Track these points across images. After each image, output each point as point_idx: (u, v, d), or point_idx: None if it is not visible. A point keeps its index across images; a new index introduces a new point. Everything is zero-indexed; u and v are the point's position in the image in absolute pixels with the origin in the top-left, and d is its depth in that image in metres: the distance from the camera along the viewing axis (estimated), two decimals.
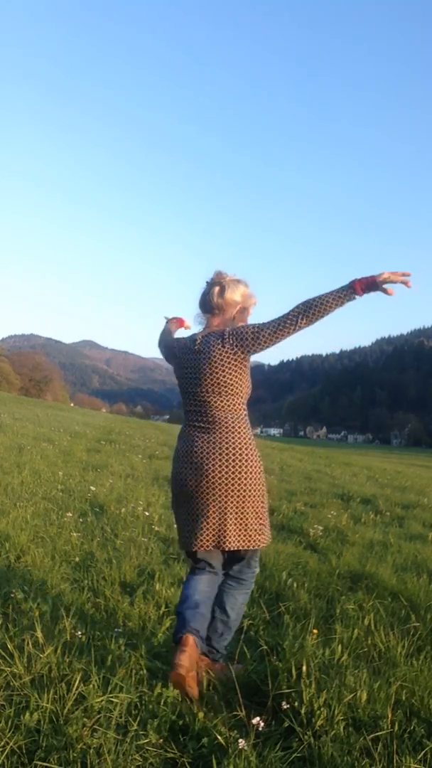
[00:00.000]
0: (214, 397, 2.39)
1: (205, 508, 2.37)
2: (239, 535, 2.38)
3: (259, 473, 2.41)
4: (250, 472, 2.35)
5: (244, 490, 2.34)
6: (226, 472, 2.33)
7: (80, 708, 2.13)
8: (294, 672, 2.46)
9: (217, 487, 2.34)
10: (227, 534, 2.36)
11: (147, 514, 5.70)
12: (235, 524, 2.37)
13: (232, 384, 2.37)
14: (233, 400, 2.39)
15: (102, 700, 2.19)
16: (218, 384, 2.37)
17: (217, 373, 2.36)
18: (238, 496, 2.34)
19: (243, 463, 2.34)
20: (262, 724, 2.16)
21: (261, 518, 2.43)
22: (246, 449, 2.36)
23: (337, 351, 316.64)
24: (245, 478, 2.34)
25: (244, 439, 2.38)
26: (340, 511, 7.45)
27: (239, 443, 2.36)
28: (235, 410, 2.41)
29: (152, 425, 32.19)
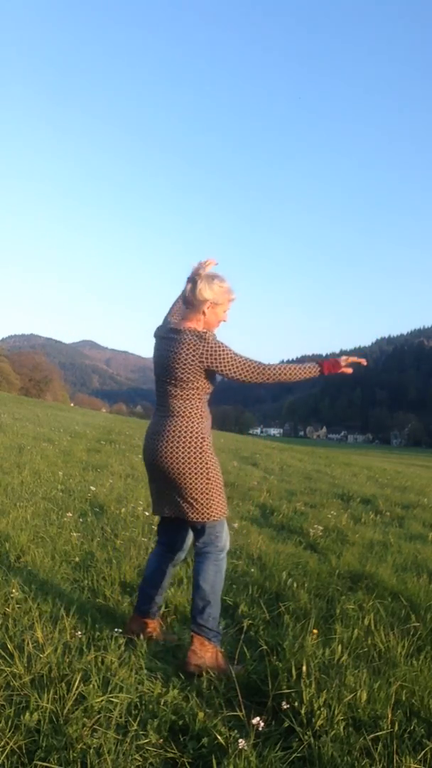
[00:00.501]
0: (172, 387, 2.64)
1: (159, 481, 2.73)
2: (185, 507, 2.67)
3: (200, 456, 2.62)
4: (191, 455, 2.60)
5: (186, 469, 2.61)
6: (171, 454, 2.61)
7: (80, 708, 2.13)
8: (294, 672, 2.46)
9: (165, 465, 2.63)
10: (176, 504, 2.70)
11: (147, 514, 5.70)
12: (182, 497, 2.66)
13: (189, 381, 2.60)
14: (189, 393, 2.63)
15: (102, 700, 2.19)
16: (177, 378, 2.61)
17: (178, 369, 2.59)
18: (180, 474, 2.62)
19: (186, 448, 2.60)
20: (262, 724, 2.16)
21: (206, 494, 2.63)
22: (189, 436, 2.61)
23: (337, 351, 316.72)
24: (187, 460, 2.60)
25: (191, 427, 2.63)
26: (340, 511, 7.45)
27: (185, 430, 2.62)
28: (190, 402, 2.64)
29: None
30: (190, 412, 2.63)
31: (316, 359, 2.63)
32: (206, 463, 2.62)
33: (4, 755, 1.89)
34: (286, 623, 3.16)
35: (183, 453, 2.60)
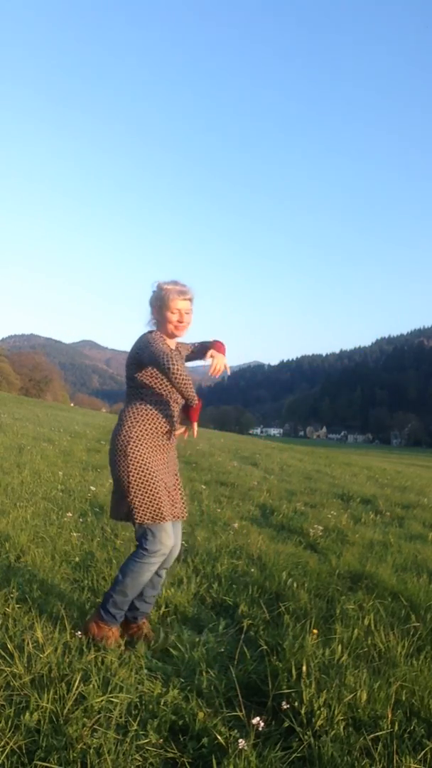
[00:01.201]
0: (126, 389, 2.82)
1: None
2: (121, 502, 2.76)
3: (123, 458, 2.68)
4: (117, 456, 2.70)
5: (113, 469, 2.74)
6: (109, 454, 2.77)
7: (80, 708, 2.14)
8: (294, 672, 2.46)
9: (110, 465, 2.78)
10: (115, 502, 2.82)
11: None
12: (117, 493, 2.79)
13: (130, 378, 2.75)
14: (131, 392, 2.77)
15: (102, 700, 2.20)
16: (126, 377, 2.78)
17: (126, 368, 2.78)
18: (111, 473, 2.76)
19: (114, 449, 2.72)
20: (262, 724, 2.16)
21: (129, 495, 2.67)
22: (118, 437, 2.71)
23: (337, 351, 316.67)
24: (114, 461, 2.72)
25: (121, 429, 2.72)
26: (340, 511, 7.45)
27: (117, 432, 2.73)
28: (130, 403, 2.76)
29: None
30: (125, 415, 2.75)
31: (199, 402, 2.67)
32: (128, 466, 2.67)
33: (4, 755, 1.89)
34: (286, 623, 3.16)
35: (112, 454, 2.73)
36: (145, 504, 2.67)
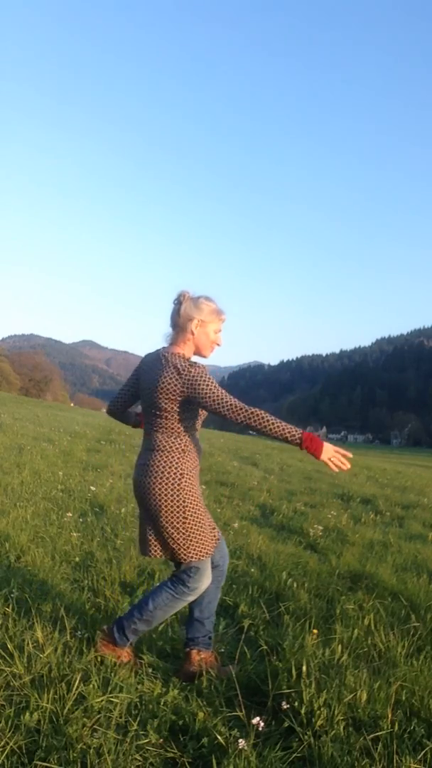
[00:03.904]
0: (156, 418, 2.51)
1: (143, 516, 2.59)
2: (163, 544, 2.53)
3: (177, 494, 2.46)
4: (167, 492, 2.46)
5: (162, 506, 2.46)
6: (149, 489, 2.48)
7: (80, 708, 2.13)
8: (294, 672, 2.46)
9: (145, 500, 2.51)
10: (156, 542, 2.55)
11: None
12: (159, 534, 2.52)
13: (171, 411, 2.46)
14: (171, 425, 2.49)
15: (102, 700, 2.20)
16: (160, 408, 2.48)
17: (161, 398, 2.45)
18: (157, 510, 2.48)
19: (162, 484, 2.46)
20: (262, 724, 2.16)
21: (182, 533, 2.47)
22: (167, 472, 2.47)
23: (337, 351, 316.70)
24: (163, 496, 2.46)
25: (170, 462, 2.48)
26: (340, 511, 7.45)
27: (164, 466, 2.48)
28: (172, 435, 2.50)
29: None
30: (170, 446, 2.49)
31: (305, 432, 2.32)
32: (183, 501, 2.45)
33: (4, 755, 1.89)
34: (286, 623, 3.16)
35: (159, 489, 2.46)
36: (198, 541, 2.49)
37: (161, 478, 2.46)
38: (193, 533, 2.48)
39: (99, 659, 2.53)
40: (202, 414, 2.56)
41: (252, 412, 2.31)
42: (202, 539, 2.50)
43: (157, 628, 3.00)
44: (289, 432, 2.28)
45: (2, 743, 1.93)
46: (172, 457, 2.48)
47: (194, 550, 2.48)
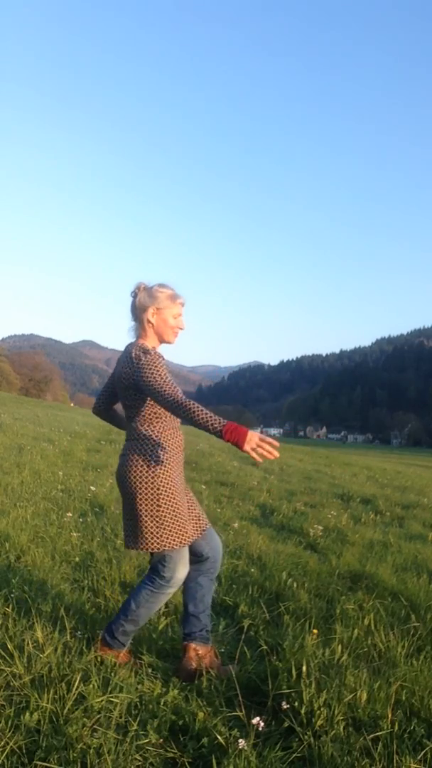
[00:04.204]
0: (127, 409, 2.58)
1: (124, 506, 2.60)
2: (137, 532, 2.52)
3: (152, 481, 2.47)
4: (142, 479, 2.48)
5: (137, 493, 2.49)
6: (125, 477, 2.52)
7: (80, 708, 2.13)
8: (294, 672, 2.46)
9: (122, 488, 2.56)
10: (131, 530, 2.56)
11: None
12: (134, 522, 2.53)
13: (136, 400, 2.51)
14: (142, 414, 2.52)
15: (102, 700, 2.20)
16: (126, 398, 2.55)
17: (122, 390, 2.54)
18: (132, 497, 2.50)
19: (137, 471, 2.49)
20: (262, 724, 2.16)
21: (156, 521, 2.47)
22: (141, 459, 2.49)
23: (337, 351, 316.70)
24: (138, 484, 2.48)
25: (145, 450, 2.50)
26: (340, 511, 7.45)
27: (139, 454, 2.50)
28: (146, 424, 2.52)
29: None
30: (145, 435, 2.51)
31: (229, 422, 2.23)
32: (157, 488, 2.46)
33: (4, 755, 1.89)
34: (286, 623, 3.16)
35: (134, 476, 2.48)
36: (171, 530, 2.47)
37: (136, 465, 2.48)
38: (167, 521, 2.47)
39: (99, 659, 2.53)
40: None
41: (182, 404, 2.28)
42: (176, 528, 2.48)
43: (157, 628, 3.00)
44: (212, 423, 2.21)
45: (2, 743, 1.93)
46: (147, 445, 2.50)
47: (167, 538, 2.46)
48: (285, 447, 23.80)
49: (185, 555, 2.56)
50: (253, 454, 2.20)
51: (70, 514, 5.27)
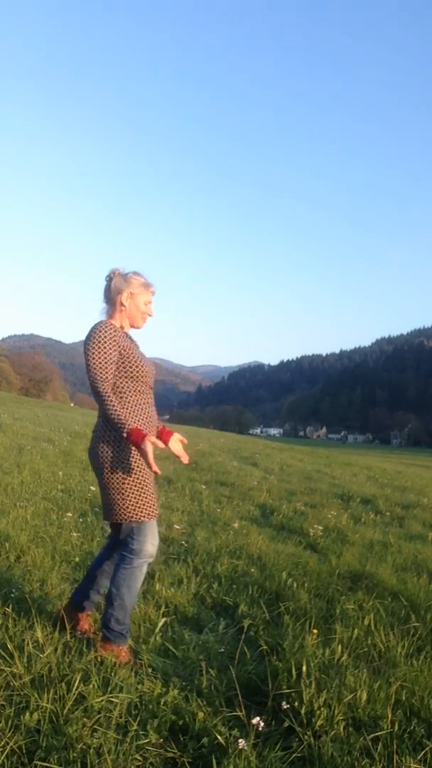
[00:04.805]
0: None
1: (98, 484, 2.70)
2: (105, 505, 2.63)
3: (117, 454, 2.56)
4: (107, 452, 2.57)
5: (103, 466, 2.58)
6: (93, 451, 2.64)
7: (80, 708, 2.13)
8: (294, 672, 2.46)
9: (91, 462, 2.68)
10: (103, 504, 2.66)
11: None
12: (102, 494, 2.65)
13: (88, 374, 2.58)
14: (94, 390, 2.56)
15: (102, 700, 2.20)
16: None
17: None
18: (99, 470, 2.61)
19: (103, 445, 2.59)
20: (262, 724, 2.16)
21: (120, 492, 2.56)
22: (107, 434, 2.58)
23: (337, 351, 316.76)
24: (104, 457, 2.58)
25: (109, 425, 2.57)
26: (340, 511, 7.45)
27: (104, 428, 2.59)
28: (100, 401, 2.54)
29: None
30: (103, 416, 2.58)
31: (135, 430, 2.41)
32: (120, 463, 2.54)
33: (4, 755, 1.88)
34: (286, 623, 3.16)
35: (101, 451, 2.58)
36: (138, 501, 2.55)
37: (102, 441, 2.58)
38: (132, 493, 2.55)
39: (99, 659, 2.53)
40: (141, 375, 2.60)
41: (101, 394, 2.45)
42: (141, 501, 2.57)
43: (157, 627, 3.00)
44: (118, 423, 2.43)
45: (2, 743, 1.93)
46: (102, 426, 2.59)
47: (132, 509, 2.56)
48: (285, 447, 23.80)
49: (153, 528, 2.63)
50: (153, 464, 2.43)
51: (70, 514, 5.27)
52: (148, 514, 2.58)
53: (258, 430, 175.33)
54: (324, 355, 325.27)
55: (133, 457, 2.57)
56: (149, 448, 2.41)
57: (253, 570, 4.18)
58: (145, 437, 2.41)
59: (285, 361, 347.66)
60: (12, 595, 3.15)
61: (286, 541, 5.34)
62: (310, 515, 6.80)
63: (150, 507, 2.59)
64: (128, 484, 2.55)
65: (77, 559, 4.06)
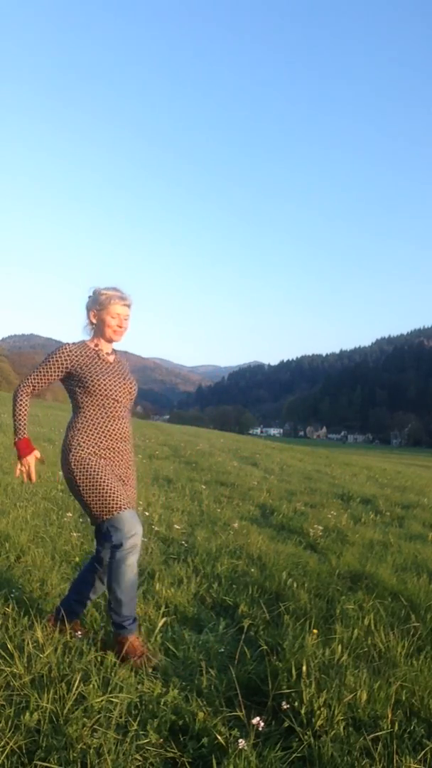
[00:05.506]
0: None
1: None
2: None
3: (68, 464, 2.72)
4: (64, 463, 2.74)
5: (65, 476, 2.77)
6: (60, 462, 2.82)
7: (80, 708, 2.13)
8: (294, 672, 2.46)
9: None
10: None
11: (147, 514, 5.70)
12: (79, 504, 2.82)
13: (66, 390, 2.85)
14: (72, 404, 2.82)
15: (102, 700, 2.20)
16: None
17: None
18: (67, 483, 2.80)
19: (62, 457, 2.77)
20: (262, 724, 2.16)
21: (83, 497, 2.70)
22: (64, 446, 2.76)
23: (337, 351, 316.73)
24: (63, 468, 2.76)
25: (66, 438, 2.77)
26: (340, 511, 7.45)
27: (64, 441, 2.78)
28: (73, 414, 2.81)
29: (152, 425, 32.21)
30: (69, 424, 2.80)
31: (21, 441, 2.71)
32: (71, 471, 2.69)
33: (4, 755, 1.88)
34: (286, 623, 3.16)
35: (62, 462, 2.76)
36: (99, 501, 2.66)
37: (62, 452, 2.77)
38: (96, 493, 2.66)
39: (99, 659, 2.53)
40: (98, 390, 2.71)
41: (15, 396, 2.73)
42: (106, 497, 2.65)
43: (156, 627, 3.00)
44: (15, 429, 2.72)
45: (2, 743, 1.93)
46: (69, 432, 2.77)
47: (100, 508, 2.67)
48: (285, 447, 23.80)
49: (128, 518, 2.67)
50: (17, 468, 2.72)
51: (70, 514, 5.27)
52: (117, 508, 2.66)
53: (258, 430, 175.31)
54: (324, 355, 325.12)
55: (79, 462, 2.69)
56: (31, 461, 2.71)
57: (253, 570, 4.18)
58: (27, 455, 2.69)
59: (285, 361, 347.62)
60: (12, 595, 3.15)
61: (286, 541, 5.34)
62: (310, 515, 6.80)
63: (116, 501, 2.66)
64: (93, 485, 2.67)
65: (77, 559, 4.06)
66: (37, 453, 2.74)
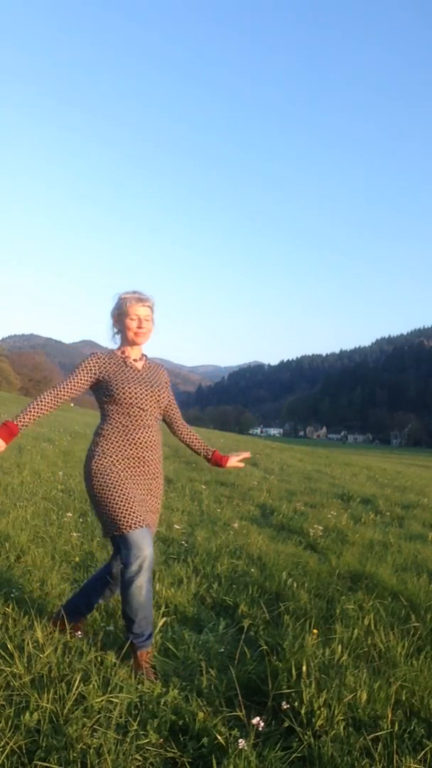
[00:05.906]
0: None
1: None
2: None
3: (88, 476, 2.70)
4: (85, 474, 2.74)
5: (85, 487, 2.76)
6: (83, 467, 2.82)
7: (80, 708, 2.13)
8: (294, 672, 2.46)
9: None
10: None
11: None
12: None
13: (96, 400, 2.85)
14: (100, 413, 2.81)
15: (102, 700, 2.20)
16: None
17: None
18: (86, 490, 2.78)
19: (84, 467, 2.77)
20: (262, 724, 2.16)
21: (97, 510, 2.69)
22: (86, 457, 2.77)
23: (337, 351, 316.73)
24: (84, 478, 2.76)
25: (89, 448, 2.78)
26: (340, 511, 7.45)
27: (87, 451, 2.78)
28: (99, 424, 2.81)
29: None
30: (95, 431, 2.80)
31: (12, 425, 2.57)
32: (90, 481, 2.67)
33: (4, 755, 1.88)
34: (286, 623, 3.16)
35: (86, 467, 2.74)
36: (114, 516, 2.58)
37: (87, 457, 2.76)
38: (112, 507, 2.60)
39: (99, 659, 2.53)
40: (122, 398, 2.69)
41: (41, 392, 2.72)
42: (116, 515, 2.59)
43: (156, 627, 3.00)
44: (17, 415, 2.62)
45: (2, 743, 1.93)
46: (92, 443, 2.77)
47: (110, 525, 2.61)
48: (285, 447, 23.80)
49: (135, 540, 2.57)
50: None
51: (70, 514, 5.27)
52: (127, 527, 2.57)
53: (258, 430, 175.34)
54: (324, 355, 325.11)
55: (100, 476, 2.65)
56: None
57: (253, 570, 4.18)
58: (7, 437, 2.55)
59: (285, 361, 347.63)
60: (12, 595, 3.15)
61: (286, 541, 5.34)
62: (310, 515, 6.80)
63: (127, 519, 2.57)
64: (108, 497, 2.61)
65: (77, 559, 4.06)
66: (3, 445, 2.54)
